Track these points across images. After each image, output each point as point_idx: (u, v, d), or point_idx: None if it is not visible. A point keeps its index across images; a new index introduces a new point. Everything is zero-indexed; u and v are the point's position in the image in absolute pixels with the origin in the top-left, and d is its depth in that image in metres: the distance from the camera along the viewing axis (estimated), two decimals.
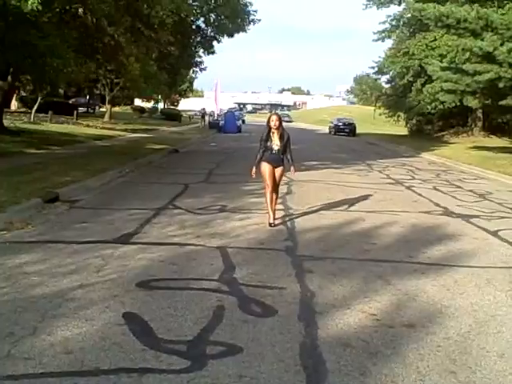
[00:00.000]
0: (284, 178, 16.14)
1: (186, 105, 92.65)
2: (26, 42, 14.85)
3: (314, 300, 5.39)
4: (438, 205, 11.67)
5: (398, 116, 45.90)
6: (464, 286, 5.94)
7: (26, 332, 4.38)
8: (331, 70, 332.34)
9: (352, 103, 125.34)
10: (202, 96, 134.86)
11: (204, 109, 55.71)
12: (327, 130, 53.07)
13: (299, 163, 19.58)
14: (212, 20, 23.04)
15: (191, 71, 24.61)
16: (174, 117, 61.20)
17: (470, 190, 14.50)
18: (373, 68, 45.26)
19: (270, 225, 8.66)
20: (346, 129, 48.17)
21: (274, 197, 8.99)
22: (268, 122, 8.81)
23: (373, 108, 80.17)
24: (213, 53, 24.76)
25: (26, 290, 5.33)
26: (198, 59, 25.09)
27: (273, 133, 8.75)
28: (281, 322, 4.78)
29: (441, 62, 27.47)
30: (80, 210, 9.65)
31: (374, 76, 48.28)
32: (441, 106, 31.66)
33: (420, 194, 13.24)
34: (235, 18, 23.12)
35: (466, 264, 6.87)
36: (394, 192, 13.52)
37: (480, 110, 33.22)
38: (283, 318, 4.87)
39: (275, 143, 8.73)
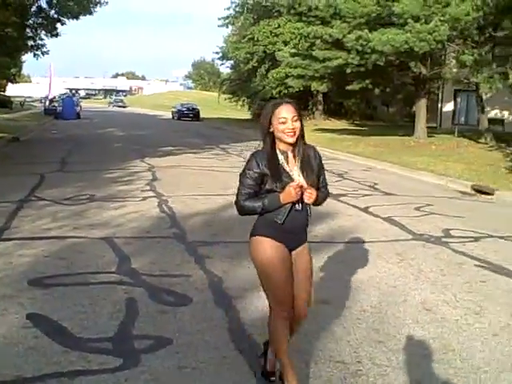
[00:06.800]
0: (144, 164, 16.02)
1: (13, 90, 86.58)
2: None
3: (223, 285, 5.36)
4: None
5: (243, 101, 46.78)
6: (359, 261, 6.23)
7: None
8: (166, 55, 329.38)
9: (189, 88, 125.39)
10: (30, 81, 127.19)
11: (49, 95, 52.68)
12: (170, 116, 52.66)
13: (155, 148, 19.46)
14: (56, 0, 21.63)
15: (32, 54, 23.00)
16: (3, 103, 56.85)
17: (327, 170, 15.17)
18: (217, 53, 45.67)
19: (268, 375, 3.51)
20: (190, 114, 48.11)
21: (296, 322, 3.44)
22: (268, 121, 3.22)
23: (212, 93, 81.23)
24: (56, 35, 23.36)
25: None
26: (40, 42, 23.49)
27: (285, 156, 3.26)
28: (200, 310, 4.69)
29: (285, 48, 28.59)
30: None
31: (219, 61, 48.68)
32: (285, 91, 32.83)
33: None
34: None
35: (352, 240, 7.21)
36: None
37: (321, 94, 34.98)
38: (201, 306, 4.79)
39: (297, 182, 3.19)
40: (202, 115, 48.71)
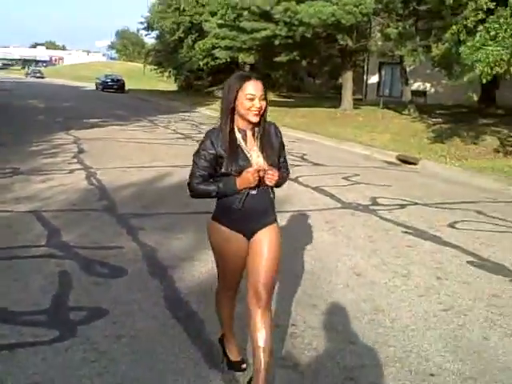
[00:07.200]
0: (69, 136, 15.54)
1: None
2: None
3: (157, 255, 5.34)
4: None
5: (170, 72, 46.01)
6: (291, 230, 6.30)
7: None
8: (89, 24, 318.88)
9: (112, 59, 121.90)
10: None
11: None
12: (93, 87, 51.23)
13: (80, 120, 18.93)
14: None
15: None
16: None
17: None
18: (141, 23, 44.50)
19: (236, 366, 3.32)
20: (114, 85, 46.97)
21: (260, 316, 3.01)
22: (234, 95, 2.89)
23: (137, 63, 79.39)
24: None
25: None
26: None
27: (244, 134, 2.97)
28: (135, 281, 4.67)
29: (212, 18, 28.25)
30: None
31: (144, 31, 47.41)
32: (212, 62, 32.56)
33: None
34: None
35: (284, 210, 7.26)
36: (187, 147, 13.68)
37: (248, 66, 34.88)
38: (135, 277, 4.77)
39: (256, 164, 2.94)
40: (127, 86, 47.64)
